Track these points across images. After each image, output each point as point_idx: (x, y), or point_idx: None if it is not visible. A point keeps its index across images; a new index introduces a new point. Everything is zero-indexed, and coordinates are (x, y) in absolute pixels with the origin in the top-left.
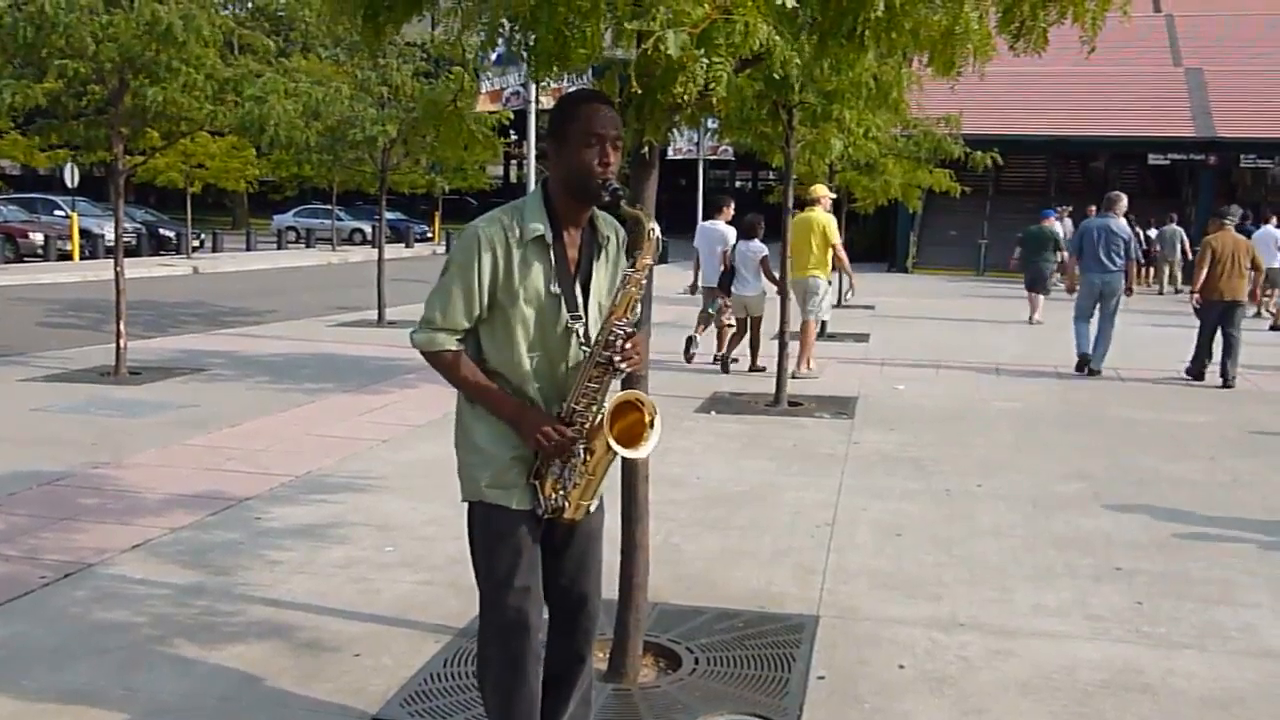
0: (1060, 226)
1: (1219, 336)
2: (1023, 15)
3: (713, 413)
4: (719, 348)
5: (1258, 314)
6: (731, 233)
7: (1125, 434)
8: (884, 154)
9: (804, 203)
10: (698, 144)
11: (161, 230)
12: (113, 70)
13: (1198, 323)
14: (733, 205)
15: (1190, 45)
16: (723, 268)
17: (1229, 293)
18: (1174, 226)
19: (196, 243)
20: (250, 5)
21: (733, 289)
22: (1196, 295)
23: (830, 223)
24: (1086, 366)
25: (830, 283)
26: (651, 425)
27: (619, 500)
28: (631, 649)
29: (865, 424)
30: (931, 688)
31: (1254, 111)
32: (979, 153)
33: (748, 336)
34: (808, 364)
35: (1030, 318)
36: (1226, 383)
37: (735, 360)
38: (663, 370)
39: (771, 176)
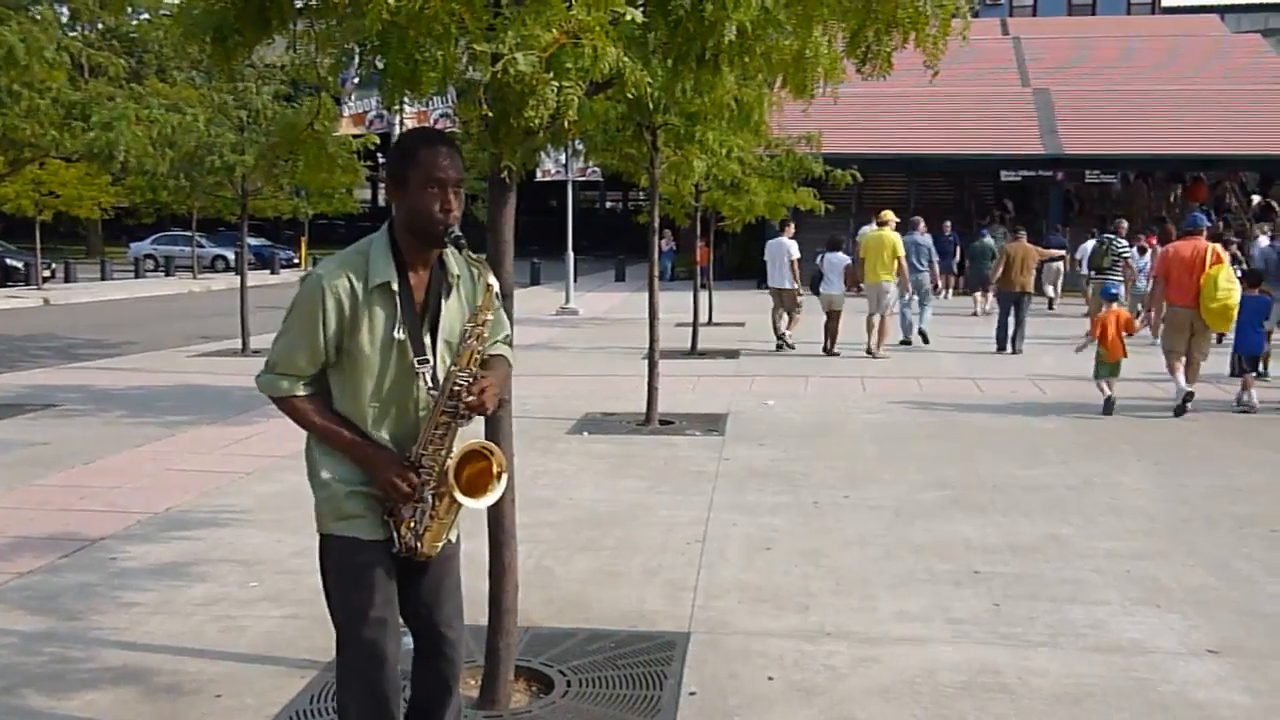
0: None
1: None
2: (868, 40)
3: (584, 433)
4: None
5: (1050, 305)
6: (795, 246)
7: (982, 442)
8: (747, 173)
9: (878, 223)
10: (565, 165)
11: (8, 260)
12: None
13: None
14: (794, 225)
15: (1037, 66)
16: (795, 273)
17: (1018, 285)
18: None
19: (47, 273)
20: (100, 26)
21: (820, 289)
22: (994, 287)
23: (898, 240)
24: (922, 339)
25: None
26: (498, 476)
27: (486, 525)
28: (502, 674)
29: (735, 440)
30: (800, 698)
31: (1097, 129)
32: (839, 171)
33: (827, 324)
34: (880, 349)
35: (976, 311)
36: (1015, 350)
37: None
38: (535, 390)
39: (641, 197)
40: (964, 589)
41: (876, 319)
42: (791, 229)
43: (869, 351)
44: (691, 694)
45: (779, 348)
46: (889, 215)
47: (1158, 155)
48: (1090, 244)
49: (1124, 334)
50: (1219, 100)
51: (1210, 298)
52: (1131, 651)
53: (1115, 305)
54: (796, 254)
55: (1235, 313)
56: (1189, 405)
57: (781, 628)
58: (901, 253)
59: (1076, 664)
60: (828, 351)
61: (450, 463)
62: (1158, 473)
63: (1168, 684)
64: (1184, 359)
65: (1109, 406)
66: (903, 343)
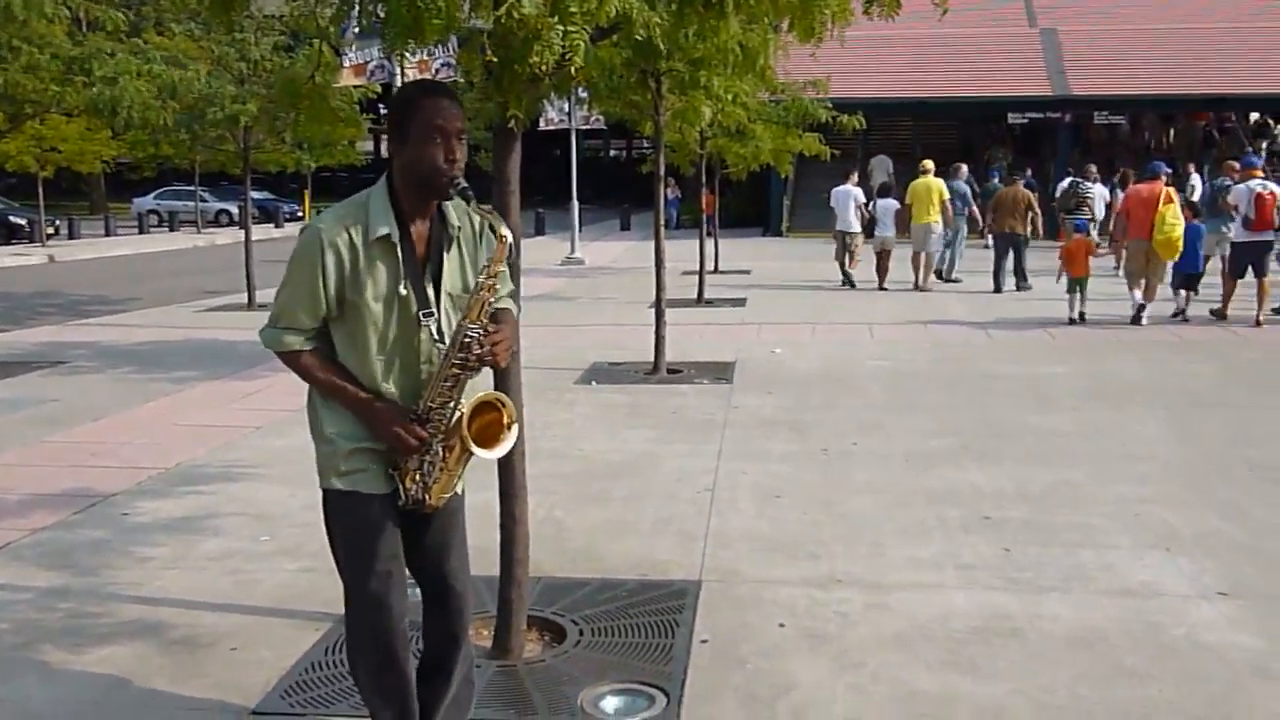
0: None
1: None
2: None
3: (593, 383)
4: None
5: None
6: (860, 192)
7: (992, 388)
8: (753, 120)
9: (920, 172)
10: (569, 114)
11: (11, 218)
12: None
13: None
14: (857, 174)
15: (1044, 6)
16: (860, 219)
17: (1009, 227)
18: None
19: (51, 230)
20: None
21: (875, 232)
22: (988, 229)
23: (943, 185)
24: (938, 278)
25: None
26: (509, 427)
27: (497, 477)
28: (515, 624)
29: (743, 388)
30: (811, 645)
31: (1105, 69)
32: (845, 116)
33: (879, 264)
34: (925, 282)
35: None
36: (1020, 288)
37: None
38: (542, 340)
39: (645, 145)
40: (974, 535)
41: (922, 258)
42: (855, 177)
43: (917, 288)
44: (703, 642)
45: (845, 284)
46: (929, 164)
47: (1167, 95)
48: (1064, 184)
49: (1088, 256)
50: (1230, 39)
51: (1159, 230)
52: (1143, 595)
53: (1079, 235)
54: (862, 199)
55: (1180, 244)
56: (1143, 317)
57: (792, 575)
58: (947, 196)
59: (1089, 608)
60: (879, 288)
61: (463, 413)
62: (1168, 418)
63: (1179, 627)
64: (1143, 282)
65: (1072, 321)
66: (950, 280)
